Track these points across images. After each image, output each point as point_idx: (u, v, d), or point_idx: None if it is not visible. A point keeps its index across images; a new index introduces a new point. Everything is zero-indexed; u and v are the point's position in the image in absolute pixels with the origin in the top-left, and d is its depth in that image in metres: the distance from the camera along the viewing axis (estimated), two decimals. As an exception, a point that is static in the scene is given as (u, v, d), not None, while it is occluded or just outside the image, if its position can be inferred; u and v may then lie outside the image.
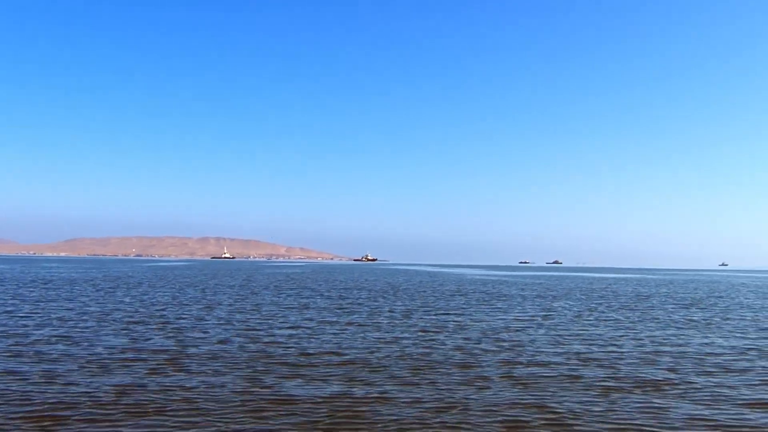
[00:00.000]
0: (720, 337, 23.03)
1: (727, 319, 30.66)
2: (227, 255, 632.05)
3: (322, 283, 65.13)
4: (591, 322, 27.93)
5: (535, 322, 27.36)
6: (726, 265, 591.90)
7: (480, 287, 61.76)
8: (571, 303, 40.11)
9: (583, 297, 47.45)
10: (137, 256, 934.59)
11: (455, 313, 31.07)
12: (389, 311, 31.85)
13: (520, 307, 35.53)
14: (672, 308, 37.01)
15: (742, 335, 23.93)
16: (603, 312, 33.33)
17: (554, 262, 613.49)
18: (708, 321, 29.26)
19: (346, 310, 31.70)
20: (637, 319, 29.19)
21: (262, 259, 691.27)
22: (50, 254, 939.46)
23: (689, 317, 31.15)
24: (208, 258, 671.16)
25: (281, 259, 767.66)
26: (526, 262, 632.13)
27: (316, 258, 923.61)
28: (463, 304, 37.64)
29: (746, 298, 49.11)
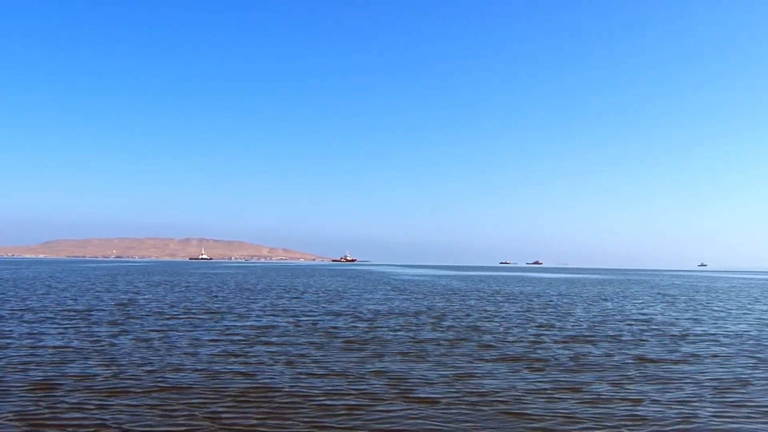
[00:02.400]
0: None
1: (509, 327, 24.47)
2: (204, 256, 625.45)
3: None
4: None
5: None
6: (705, 265, 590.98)
7: (377, 289, 55.57)
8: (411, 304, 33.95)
9: (446, 298, 41.27)
10: (117, 257, 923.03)
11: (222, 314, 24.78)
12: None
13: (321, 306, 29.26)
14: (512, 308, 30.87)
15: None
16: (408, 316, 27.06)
17: (534, 263, 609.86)
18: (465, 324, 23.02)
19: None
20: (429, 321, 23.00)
21: (240, 260, 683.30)
22: (29, 256, 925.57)
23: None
24: (188, 259, 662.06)
25: (262, 260, 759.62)
26: (506, 263, 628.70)
27: (299, 259, 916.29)
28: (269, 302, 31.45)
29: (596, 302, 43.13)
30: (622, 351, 18.23)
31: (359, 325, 23.68)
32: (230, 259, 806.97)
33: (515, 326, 24.22)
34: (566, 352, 17.85)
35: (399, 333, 21.39)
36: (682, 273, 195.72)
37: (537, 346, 18.94)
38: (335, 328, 22.60)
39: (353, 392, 12.26)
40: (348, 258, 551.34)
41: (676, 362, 16.63)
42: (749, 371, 15.33)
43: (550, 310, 32.65)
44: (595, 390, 12.99)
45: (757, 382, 14.03)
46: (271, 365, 15.03)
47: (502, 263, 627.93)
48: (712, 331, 23.98)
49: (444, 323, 24.82)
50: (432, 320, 26.05)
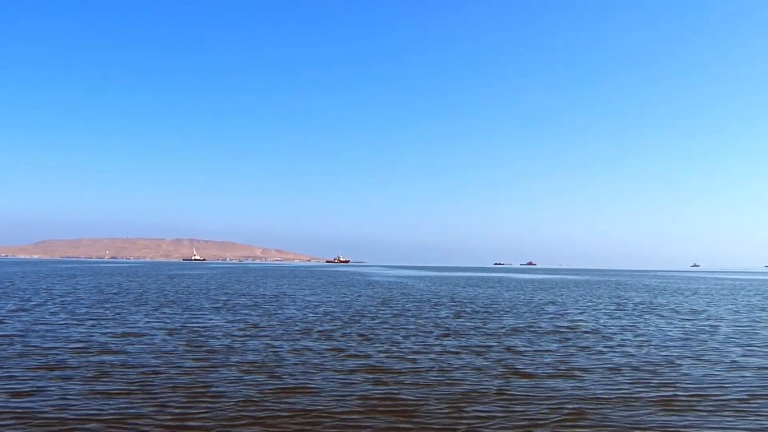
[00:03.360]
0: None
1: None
2: (197, 257, 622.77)
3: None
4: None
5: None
6: (698, 266, 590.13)
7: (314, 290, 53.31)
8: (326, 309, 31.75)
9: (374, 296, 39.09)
10: (112, 258, 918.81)
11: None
12: None
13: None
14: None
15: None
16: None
17: (528, 264, 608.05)
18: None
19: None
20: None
21: (234, 261, 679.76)
22: (22, 257, 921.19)
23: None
24: (181, 260, 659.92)
25: (257, 261, 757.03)
26: (500, 264, 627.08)
27: (293, 260, 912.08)
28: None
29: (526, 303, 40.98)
30: (505, 363, 16.10)
31: (246, 333, 21.51)
32: (224, 260, 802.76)
33: (417, 334, 22.08)
34: (439, 364, 15.72)
35: (276, 342, 19.23)
36: (671, 274, 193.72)
37: (414, 356, 16.79)
38: (210, 338, 20.43)
39: (109, 416, 10.09)
40: (341, 259, 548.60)
41: (553, 377, 14.52)
42: (626, 391, 13.20)
43: (481, 314, 30.53)
44: (422, 413, 10.88)
45: (619, 407, 11.92)
46: (65, 382, 12.85)
47: (496, 264, 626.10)
48: (635, 338, 21.88)
49: (343, 330, 22.68)
50: (333, 327, 23.91)
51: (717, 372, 15.46)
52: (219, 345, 18.37)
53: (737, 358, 17.68)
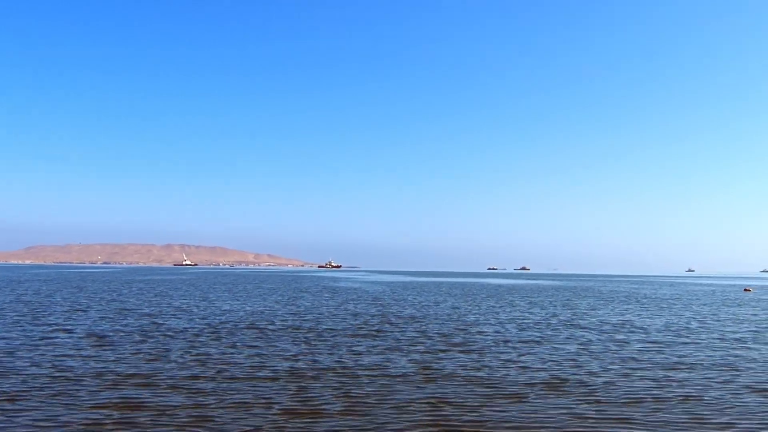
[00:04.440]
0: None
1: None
2: (188, 262, 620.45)
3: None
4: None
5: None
6: (693, 270, 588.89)
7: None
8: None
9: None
10: (105, 263, 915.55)
11: None
12: None
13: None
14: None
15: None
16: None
17: (522, 269, 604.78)
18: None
19: None
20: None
21: (227, 267, 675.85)
22: (15, 262, 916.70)
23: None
24: (172, 265, 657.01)
25: (251, 266, 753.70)
26: (494, 269, 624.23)
27: (286, 265, 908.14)
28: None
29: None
30: (306, 395, 13.74)
31: (85, 352, 19.15)
32: (217, 265, 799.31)
33: (270, 354, 19.73)
34: (225, 398, 13.34)
35: (84, 365, 16.82)
36: (659, 279, 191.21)
37: (217, 384, 14.43)
38: (27, 354, 18.02)
39: None
40: (333, 264, 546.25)
41: (343, 414, 12.18)
42: (406, 433, 10.85)
43: (384, 326, 28.18)
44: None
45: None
46: None
47: (489, 269, 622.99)
48: (517, 358, 19.54)
49: (196, 348, 20.37)
50: (189, 345, 21.59)
51: (559, 405, 13.10)
52: (26, 369, 15.94)
53: (605, 384, 15.34)
